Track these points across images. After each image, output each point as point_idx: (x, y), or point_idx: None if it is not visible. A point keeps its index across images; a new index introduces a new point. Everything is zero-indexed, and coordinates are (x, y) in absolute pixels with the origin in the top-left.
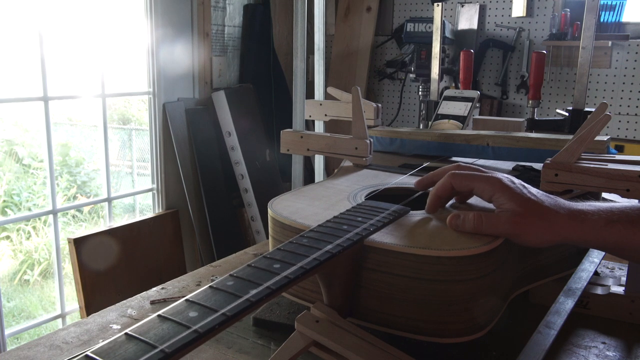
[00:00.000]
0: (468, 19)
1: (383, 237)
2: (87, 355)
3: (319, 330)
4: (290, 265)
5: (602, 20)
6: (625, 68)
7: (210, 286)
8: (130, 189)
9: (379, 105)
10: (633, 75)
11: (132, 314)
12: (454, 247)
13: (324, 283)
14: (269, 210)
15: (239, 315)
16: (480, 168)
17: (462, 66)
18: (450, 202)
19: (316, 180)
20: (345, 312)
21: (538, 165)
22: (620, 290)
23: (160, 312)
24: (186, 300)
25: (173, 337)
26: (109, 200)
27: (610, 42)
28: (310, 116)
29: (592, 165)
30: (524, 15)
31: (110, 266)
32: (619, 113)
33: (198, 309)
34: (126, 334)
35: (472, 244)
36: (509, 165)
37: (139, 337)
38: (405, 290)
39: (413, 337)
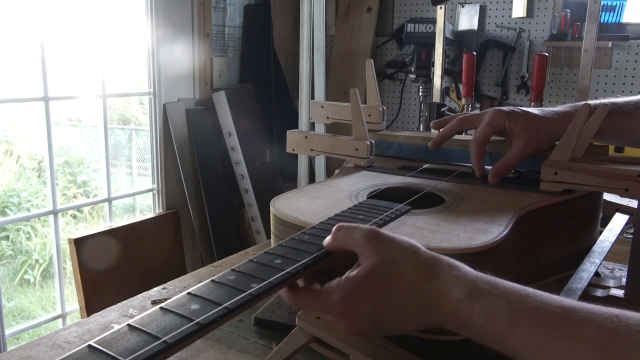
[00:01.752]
0: (468, 20)
1: None
2: (90, 345)
3: (319, 326)
4: (292, 261)
5: (602, 21)
6: (626, 69)
7: (212, 280)
8: (131, 189)
9: (385, 108)
10: (633, 76)
11: (134, 314)
12: (454, 245)
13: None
14: (271, 208)
15: (241, 308)
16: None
17: (464, 69)
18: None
19: (317, 180)
20: None
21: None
22: (619, 293)
23: (162, 305)
24: (188, 293)
25: (175, 328)
26: (109, 200)
27: (610, 43)
28: (311, 118)
29: (591, 165)
30: (524, 15)
31: (111, 266)
32: None
33: (200, 301)
34: (128, 325)
35: (472, 241)
36: None
37: (142, 328)
38: None
39: (413, 334)
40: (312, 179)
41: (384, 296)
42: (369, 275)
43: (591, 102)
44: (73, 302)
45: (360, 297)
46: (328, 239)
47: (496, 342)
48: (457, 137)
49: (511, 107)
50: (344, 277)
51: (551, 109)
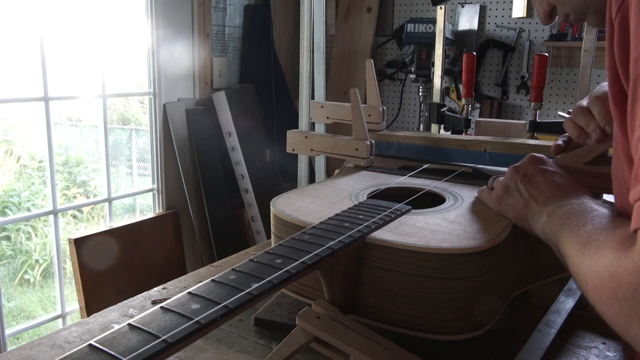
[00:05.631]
0: (468, 20)
1: (384, 235)
2: (90, 345)
3: (320, 326)
4: (292, 260)
5: None
6: None
7: (212, 279)
8: (131, 189)
9: (385, 108)
10: None
11: (134, 314)
12: (455, 245)
13: (325, 279)
14: (271, 208)
15: (241, 307)
16: None
17: (464, 69)
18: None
19: (317, 180)
20: (346, 308)
21: None
22: None
23: (163, 304)
24: (189, 292)
25: (175, 327)
26: (109, 200)
27: None
28: (311, 118)
29: (590, 167)
30: (524, 15)
31: (111, 266)
32: None
33: (200, 301)
34: (129, 324)
35: (473, 241)
36: (507, 169)
37: (142, 327)
38: (406, 287)
39: (413, 334)
40: (312, 179)
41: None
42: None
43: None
44: (73, 302)
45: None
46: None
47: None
48: (457, 137)
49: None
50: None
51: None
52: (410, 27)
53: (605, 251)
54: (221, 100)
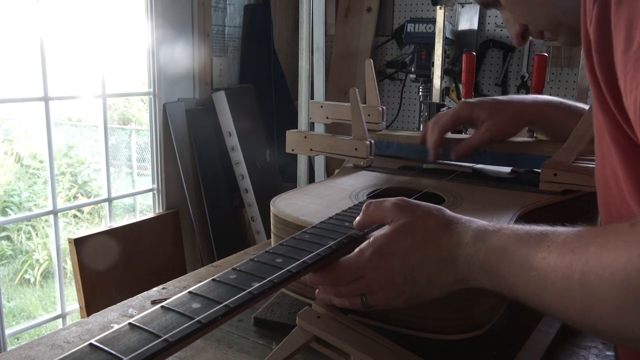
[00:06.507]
0: (468, 20)
1: None
2: (91, 344)
3: (320, 325)
4: (293, 260)
5: None
6: None
7: (213, 279)
8: (131, 189)
9: (384, 108)
10: None
11: (134, 314)
12: None
13: None
14: (271, 207)
15: (242, 307)
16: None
17: (464, 69)
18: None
19: (317, 180)
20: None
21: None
22: None
23: (163, 304)
24: (189, 292)
25: (176, 327)
26: (109, 200)
27: None
28: (310, 118)
29: (590, 165)
30: None
31: (111, 266)
32: None
33: (201, 300)
34: (130, 324)
35: None
36: (507, 169)
37: (143, 326)
38: None
39: (414, 333)
40: (312, 179)
41: (412, 249)
42: (398, 231)
43: (548, 97)
44: (73, 302)
45: (391, 249)
46: (358, 218)
47: (499, 278)
48: (457, 136)
49: (481, 98)
50: (372, 237)
51: (519, 96)
52: (410, 27)
53: (624, 245)
54: (221, 100)
